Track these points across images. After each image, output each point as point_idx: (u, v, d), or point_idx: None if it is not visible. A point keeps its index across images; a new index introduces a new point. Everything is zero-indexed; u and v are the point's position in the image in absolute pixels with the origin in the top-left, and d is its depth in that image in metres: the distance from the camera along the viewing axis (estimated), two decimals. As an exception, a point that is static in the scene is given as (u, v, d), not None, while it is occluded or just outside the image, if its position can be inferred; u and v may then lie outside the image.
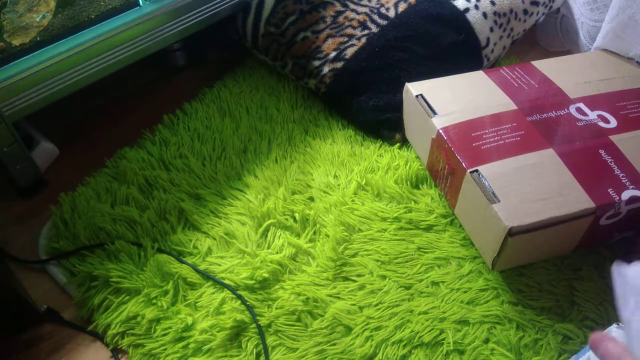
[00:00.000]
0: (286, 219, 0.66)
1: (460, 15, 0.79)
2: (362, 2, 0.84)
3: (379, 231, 0.65)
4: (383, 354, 0.55)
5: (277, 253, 0.63)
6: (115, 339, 0.57)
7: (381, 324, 0.57)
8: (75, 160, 0.76)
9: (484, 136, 0.64)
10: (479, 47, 0.80)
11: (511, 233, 0.54)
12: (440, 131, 0.65)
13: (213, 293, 0.60)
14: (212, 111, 0.81)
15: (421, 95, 0.70)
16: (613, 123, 0.65)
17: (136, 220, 0.66)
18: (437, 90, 0.70)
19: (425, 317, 0.57)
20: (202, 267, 0.62)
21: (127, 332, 0.57)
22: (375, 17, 0.81)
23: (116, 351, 0.57)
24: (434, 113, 0.67)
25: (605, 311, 0.58)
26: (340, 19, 0.82)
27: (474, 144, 0.63)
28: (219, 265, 0.62)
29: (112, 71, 0.72)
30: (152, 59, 0.78)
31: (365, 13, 0.82)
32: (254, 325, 0.57)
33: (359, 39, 0.79)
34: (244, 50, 0.90)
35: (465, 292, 0.60)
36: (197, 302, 0.59)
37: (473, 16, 0.79)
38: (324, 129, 0.79)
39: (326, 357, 0.55)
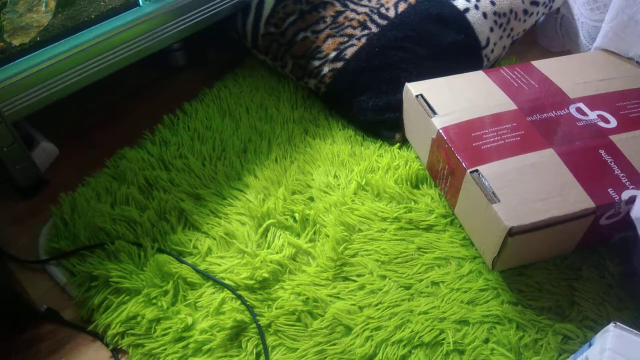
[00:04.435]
0: (286, 219, 0.66)
1: (460, 15, 0.79)
2: (362, 2, 0.84)
3: (379, 231, 0.65)
4: (383, 354, 0.55)
5: (277, 253, 0.63)
6: (115, 339, 0.57)
7: (381, 324, 0.57)
8: (75, 160, 0.76)
9: (484, 136, 0.64)
10: (479, 47, 0.80)
11: (511, 233, 0.54)
12: (440, 131, 0.65)
13: (213, 293, 0.60)
14: (212, 111, 0.81)
15: (421, 95, 0.70)
16: (613, 123, 0.66)
17: (136, 220, 0.66)
18: (437, 90, 0.70)
19: (425, 317, 0.58)
20: (202, 267, 0.62)
21: (127, 332, 0.57)
22: (375, 17, 0.81)
23: (116, 351, 0.57)
24: (434, 113, 0.67)
25: (605, 311, 0.58)
26: (340, 19, 0.82)
27: (474, 144, 0.63)
28: (219, 265, 0.62)
29: (112, 71, 0.72)
30: (152, 59, 0.78)
31: (365, 13, 0.82)
32: (254, 325, 0.57)
33: (359, 39, 0.79)
34: (244, 50, 0.90)
35: (465, 292, 0.60)
36: (197, 302, 0.59)
37: (473, 16, 0.79)
38: (324, 129, 0.79)
39: (326, 357, 0.55)
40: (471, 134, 0.64)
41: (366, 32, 0.79)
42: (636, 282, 0.60)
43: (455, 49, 0.79)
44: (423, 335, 0.56)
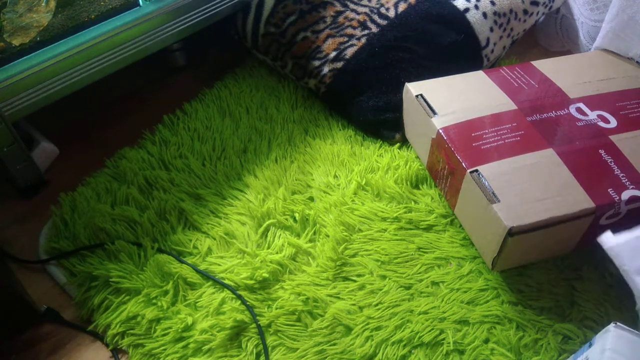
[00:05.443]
0: (286, 219, 0.66)
1: (460, 15, 0.79)
2: (362, 2, 0.84)
3: (379, 231, 0.65)
4: (383, 354, 0.55)
5: (277, 253, 0.63)
6: (115, 339, 0.57)
7: (381, 324, 0.57)
8: (75, 160, 0.76)
9: (484, 136, 0.64)
10: (479, 47, 0.80)
11: (511, 233, 0.54)
12: (440, 131, 0.65)
13: (213, 293, 0.60)
14: (212, 111, 0.81)
15: (421, 95, 0.70)
16: (613, 123, 0.66)
17: (136, 220, 0.66)
18: (437, 90, 0.70)
19: (425, 317, 0.58)
20: (202, 267, 0.62)
21: (127, 332, 0.57)
22: (375, 17, 0.81)
23: (116, 351, 0.57)
24: (434, 113, 0.67)
25: (605, 311, 0.58)
26: (340, 19, 0.82)
27: (474, 144, 0.63)
28: (219, 265, 0.62)
29: (112, 71, 0.72)
30: (152, 59, 0.78)
31: (365, 13, 0.82)
32: (254, 325, 0.57)
33: (359, 39, 0.79)
34: (244, 50, 0.90)
35: (465, 292, 0.60)
36: (197, 302, 0.59)
37: (473, 16, 0.79)
38: (324, 129, 0.79)
39: (326, 357, 0.55)
40: (471, 134, 0.64)
41: (366, 32, 0.79)
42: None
43: (455, 49, 0.79)
44: (423, 335, 0.56)
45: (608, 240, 0.41)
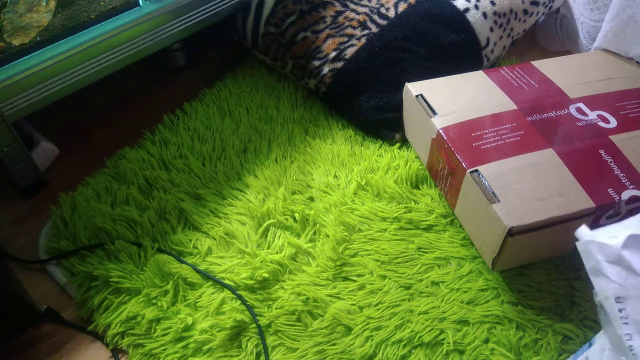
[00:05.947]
0: (286, 219, 0.66)
1: (460, 15, 0.79)
2: (362, 2, 0.84)
3: (379, 231, 0.65)
4: (383, 354, 0.55)
5: (277, 253, 0.63)
6: (115, 339, 0.57)
7: (381, 324, 0.57)
8: (75, 160, 0.76)
9: (484, 136, 0.64)
10: (479, 47, 0.80)
11: (511, 233, 0.54)
12: (440, 131, 0.65)
13: (213, 293, 0.60)
14: (212, 111, 0.81)
15: (421, 95, 0.70)
16: (613, 123, 0.66)
17: (136, 220, 0.66)
18: (437, 90, 0.70)
19: (425, 317, 0.58)
20: (202, 267, 0.62)
21: (127, 332, 0.57)
22: (375, 17, 0.81)
23: (116, 351, 0.57)
24: (434, 113, 0.67)
25: (605, 311, 0.58)
26: (340, 19, 0.82)
27: (474, 144, 0.63)
28: (219, 265, 0.62)
29: (112, 71, 0.72)
30: (152, 59, 0.78)
31: (365, 13, 0.82)
32: (254, 325, 0.57)
33: (359, 39, 0.79)
34: (244, 50, 0.90)
35: (465, 292, 0.60)
36: (197, 302, 0.59)
37: (473, 16, 0.79)
38: (324, 129, 0.79)
39: (326, 357, 0.55)
40: (471, 134, 0.64)
41: (366, 32, 0.79)
42: None
43: (455, 49, 0.79)
44: (423, 335, 0.56)
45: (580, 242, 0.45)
